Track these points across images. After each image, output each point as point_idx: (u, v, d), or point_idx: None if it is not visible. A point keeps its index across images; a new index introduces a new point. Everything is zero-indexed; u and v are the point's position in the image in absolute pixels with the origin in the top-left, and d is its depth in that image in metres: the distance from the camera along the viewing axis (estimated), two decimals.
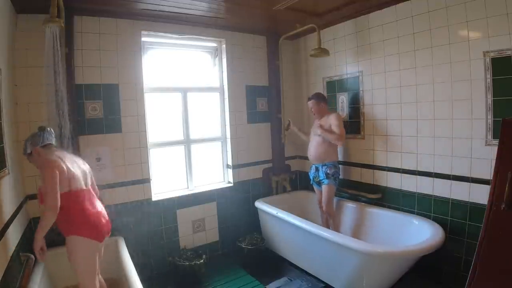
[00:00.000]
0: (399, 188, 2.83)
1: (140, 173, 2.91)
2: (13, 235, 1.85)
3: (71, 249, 1.84)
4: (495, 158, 1.62)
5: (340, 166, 3.14)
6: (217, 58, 3.49)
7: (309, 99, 3.08)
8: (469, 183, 2.34)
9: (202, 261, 2.81)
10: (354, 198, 3.20)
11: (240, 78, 3.49)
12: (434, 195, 2.57)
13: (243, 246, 3.11)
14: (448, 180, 2.47)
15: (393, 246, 2.38)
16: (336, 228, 2.95)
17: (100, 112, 2.71)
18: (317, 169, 3.07)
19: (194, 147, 3.37)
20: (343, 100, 3.31)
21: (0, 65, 1.86)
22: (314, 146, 3.06)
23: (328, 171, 2.95)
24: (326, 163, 2.98)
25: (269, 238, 3.30)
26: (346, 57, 3.22)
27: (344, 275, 2.48)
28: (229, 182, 3.54)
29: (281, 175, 3.73)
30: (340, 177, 3.11)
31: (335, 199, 3.12)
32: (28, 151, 1.84)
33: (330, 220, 3.00)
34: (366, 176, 3.14)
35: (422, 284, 2.56)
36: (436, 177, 2.55)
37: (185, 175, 3.34)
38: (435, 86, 2.51)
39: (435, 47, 2.47)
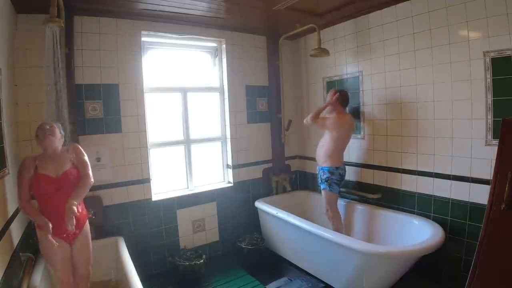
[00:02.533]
0: (399, 188, 2.83)
1: (140, 173, 2.91)
2: (14, 235, 1.85)
3: (87, 232, 2.07)
4: (495, 158, 1.63)
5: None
6: (217, 58, 3.49)
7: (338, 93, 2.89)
8: (469, 183, 2.34)
9: (202, 261, 2.81)
10: (353, 198, 3.20)
11: (240, 78, 3.48)
12: (434, 195, 2.57)
13: (243, 246, 3.11)
14: (448, 180, 2.47)
15: (393, 246, 2.39)
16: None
17: (100, 112, 2.71)
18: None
19: (194, 147, 3.37)
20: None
21: (0, 65, 1.86)
22: (318, 145, 3.02)
23: (322, 176, 2.91)
24: (323, 166, 2.92)
25: (269, 238, 3.30)
26: (346, 57, 3.22)
27: (344, 275, 2.48)
28: (229, 182, 3.54)
29: (281, 175, 3.73)
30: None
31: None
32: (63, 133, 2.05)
33: (331, 224, 2.93)
34: (365, 176, 3.14)
35: (422, 284, 2.56)
36: (436, 177, 2.55)
37: (185, 175, 3.34)
38: (435, 86, 2.51)
39: (435, 47, 2.47)
